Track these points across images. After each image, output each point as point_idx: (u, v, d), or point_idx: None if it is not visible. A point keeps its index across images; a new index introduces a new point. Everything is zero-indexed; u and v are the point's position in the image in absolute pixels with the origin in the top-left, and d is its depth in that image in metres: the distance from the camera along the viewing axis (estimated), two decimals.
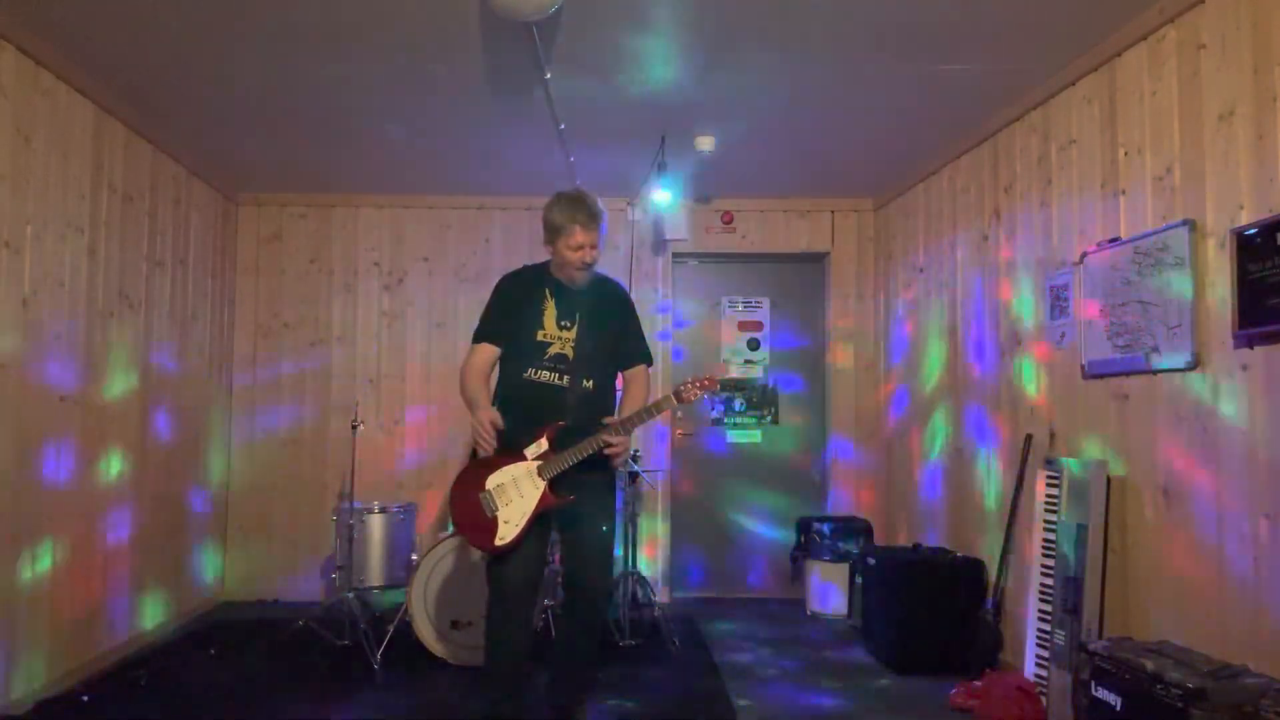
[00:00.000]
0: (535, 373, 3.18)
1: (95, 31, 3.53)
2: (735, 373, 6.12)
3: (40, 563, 3.69)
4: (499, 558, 3.13)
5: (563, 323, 3.24)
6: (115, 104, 4.19)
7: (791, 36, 3.56)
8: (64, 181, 3.86)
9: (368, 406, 5.76)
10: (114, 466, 4.29)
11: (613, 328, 3.33)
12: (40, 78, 3.66)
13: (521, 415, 3.15)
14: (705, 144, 4.75)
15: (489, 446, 3.09)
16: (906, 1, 3.26)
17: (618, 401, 3.41)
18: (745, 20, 3.42)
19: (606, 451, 3.10)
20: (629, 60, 3.79)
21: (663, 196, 5.16)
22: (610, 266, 5.87)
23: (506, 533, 3.07)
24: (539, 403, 3.16)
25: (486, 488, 3.12)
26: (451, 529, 4.27)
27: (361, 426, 4.76)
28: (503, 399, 3.26)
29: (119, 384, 4.34)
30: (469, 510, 3.13)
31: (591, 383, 3.22)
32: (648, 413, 3.15)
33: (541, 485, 3.09)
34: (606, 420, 3.12)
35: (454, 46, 3.65)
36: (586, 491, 3.17)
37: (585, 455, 3.07)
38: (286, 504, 5.78)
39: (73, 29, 3.51)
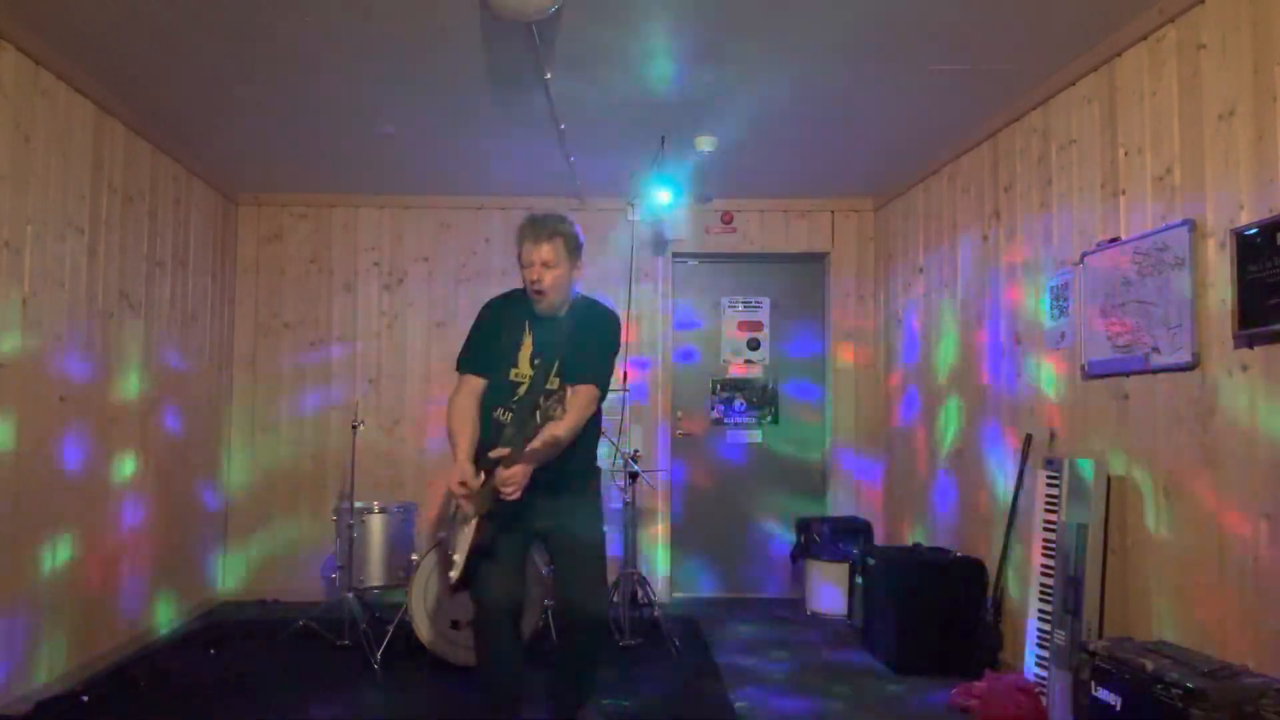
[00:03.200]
0: (503, 413, 3.03)
1: (95, 31, 3.53)
2: (735, 373, 6.12)
3: (40, 562, 3.69)
4: (475, 576, 3.04)
5: (535, 360, 3.05)
6: (115, 104, 4.19)
7: (791, 36, 3.56)
8: (64, 181, 3.85)
9: (368, 406, 5.76)
10: (113, 467, 4.29)
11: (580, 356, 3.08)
12: (40, 78, 3.66)
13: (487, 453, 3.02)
14: (705, 144, 4.75)
15: (466, 507, 2.96)
16: (906, 1, 3.26)
17: (589, 442, 3.18)
18: (746, 20, 3.42)
19: (497, 484, 2.83)
20: (629, 60, 3.79)
21: (663, 196, 5.15)
22: (610, 266, 5.88)
23: (454, 570, 3.03)
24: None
25: (456, 527, 3.09)
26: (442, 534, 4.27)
27: (361, 426, 4.76)
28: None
29: (119, 384, 4.34)
30: (442, 548, 3.15)
31: None
32: (534, 452, 2.84)
33: (474, 520, 2.97)
34: (493, 453, 2.86)
35: (454, 47, 3.64)
36: (561, 516, 3.05)
37: (490, 492, 2.87)
38: (286, 504, 5.78)
39: (73, 29, 3.51)
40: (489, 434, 3.02)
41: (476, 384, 3.10)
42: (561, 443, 2.89)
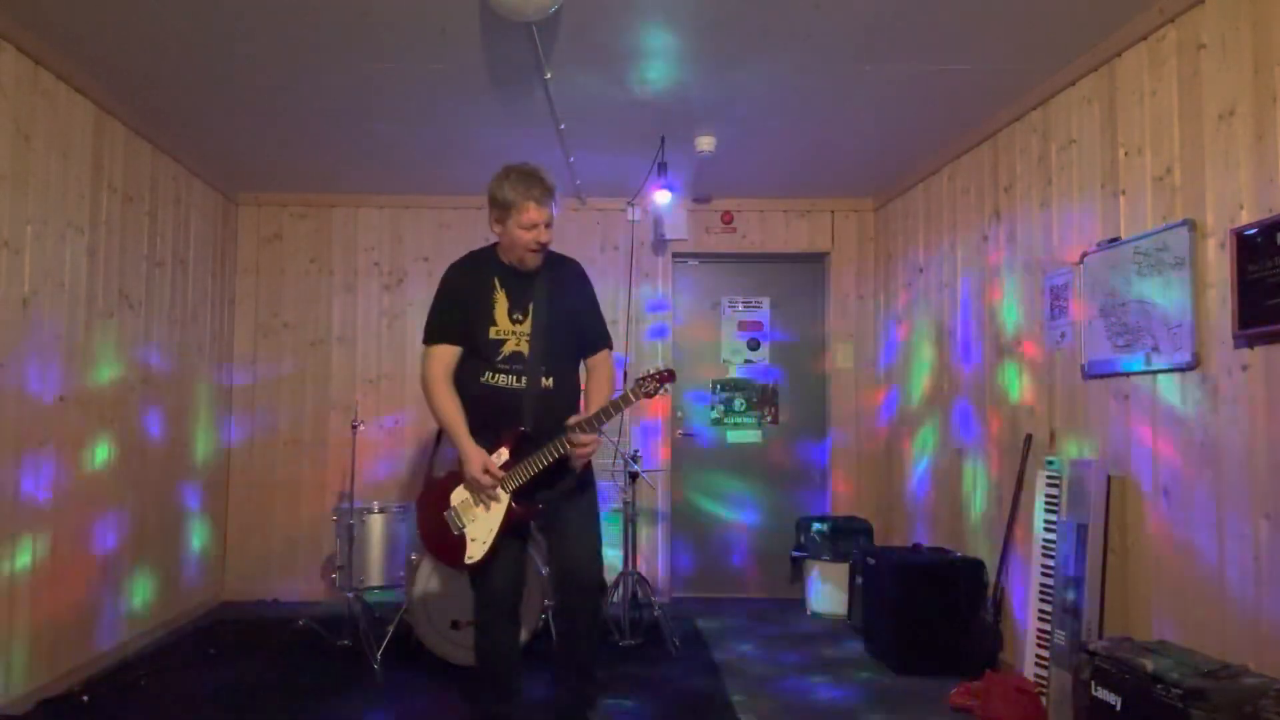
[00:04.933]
0: (491, 376, 2.99)
1: (95, 31, 3.53)
2: (735, 373, 6.12)
3: (36, 562, 3.69)
4: (479, 567, 3.04)
5: (515, 315, 3.01)
6: (115, 104, 4.19)
7: (791, 37, 3.56)
8: (64, 181, 3.85)
9: (368, 406, 5.76)
10: (114, 466, 4.29)
11: (569, 312, 3.10)
12: (40, 78, 3.66)
13: (481, 424, 2.99)
14: (705, 144, 4.75)
15: (491, 494, 2.96)
16: (907, 1, 3.26)
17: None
18: (745, 20, 3.42)
19: (574, 453, 2.93)
20: (629, 60, 3.79)
21: (663, 196, 5.15)
22: (610, 266, 5.89)
23: (475, 551, 2.96)
24: (497, 409, 2.98)
25: (452, 504, 3.01)
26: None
27: (361, 426, 4.76)
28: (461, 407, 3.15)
29: (119, 384, 4.34)
30: (436, 527, 3.02)
31: (551, 380, 3.02)
32: (609, 412, 2.95)
33: (505, 498, 2.96)
34: (570, 421, 2.94)
35: (454, 46, 3.65)
36: (561, 495, 3.04)
37: (548, 461, 2.93)
38: (286, 504, 5.78)
39: (73, 29, 3.51)
40: (486, 402, 3.00)
41: (449, 353, 3.05)
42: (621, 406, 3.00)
